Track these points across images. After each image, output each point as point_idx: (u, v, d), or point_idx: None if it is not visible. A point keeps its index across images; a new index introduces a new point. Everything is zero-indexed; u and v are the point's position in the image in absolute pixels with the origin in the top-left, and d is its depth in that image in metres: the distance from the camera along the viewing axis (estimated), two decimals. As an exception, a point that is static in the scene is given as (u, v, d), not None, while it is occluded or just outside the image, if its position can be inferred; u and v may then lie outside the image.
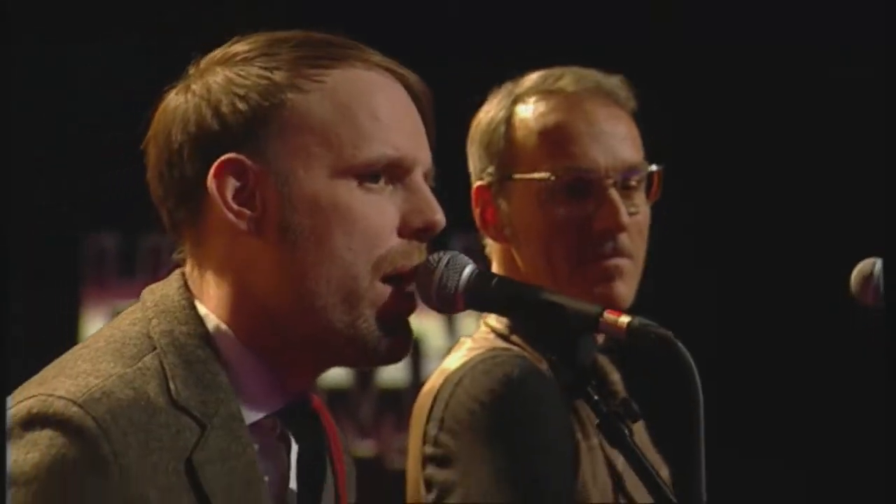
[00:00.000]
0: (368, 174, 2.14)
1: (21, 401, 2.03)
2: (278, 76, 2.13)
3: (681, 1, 6.97)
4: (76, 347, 2.14)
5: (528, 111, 2.94)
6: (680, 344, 2.13)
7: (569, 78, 2.95)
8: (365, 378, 6.25)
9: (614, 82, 2.94)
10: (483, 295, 2.20)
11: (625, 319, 2.15)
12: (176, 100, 2.15)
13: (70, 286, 6.16)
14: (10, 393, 2.02)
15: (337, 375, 6.08)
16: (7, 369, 1.91)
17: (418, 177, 2.17)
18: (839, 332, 6.15)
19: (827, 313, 4.81)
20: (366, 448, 6.12)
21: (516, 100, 2.96)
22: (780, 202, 6.51)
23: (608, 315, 2.18)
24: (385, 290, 2.11)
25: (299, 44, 2.17)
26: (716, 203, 6.71)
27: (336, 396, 6.30)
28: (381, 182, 2.15)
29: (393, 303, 2.11)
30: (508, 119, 2.96)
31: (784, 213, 6.53)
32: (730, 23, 6.92)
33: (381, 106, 2.17)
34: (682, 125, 6.35)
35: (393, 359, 2.15)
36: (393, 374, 6.08)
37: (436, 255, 2.15)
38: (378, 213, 2.12)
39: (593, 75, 2.95)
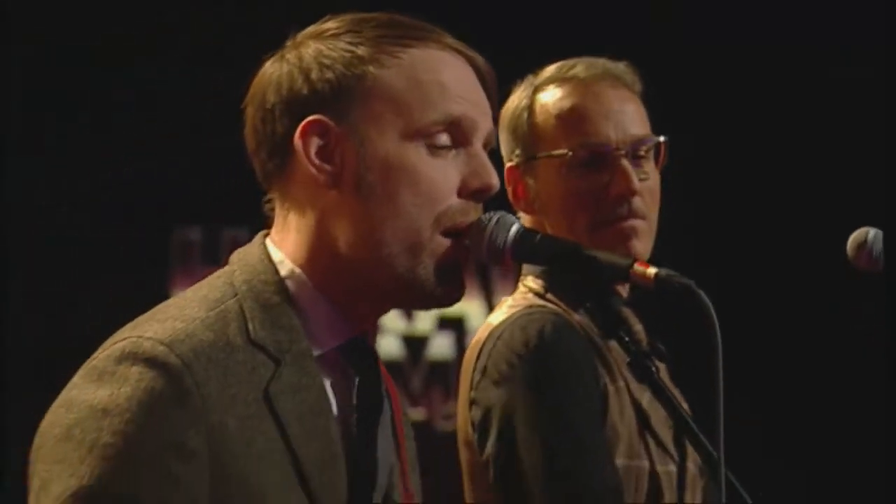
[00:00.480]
0: (434, 135, 2.23)
1: (115, 342, 2.13)
2: (361, 51, 2.24)
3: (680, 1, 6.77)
4: (169, 300, 2.28)
5: (547, 97, 3.12)
6: (701, 292, 2.20)
7: (581, 66, 3.12)
8: (415, 353, 6.55)
9: (621, 67, 3.11)
10: (527, 249, 2.31)
11: (652, 270, 2.24)
12: (272, 67, 2.29)
13: (160, 275, 6.27)
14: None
15: (390, 350, 6.34)
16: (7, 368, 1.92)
17: (479, 144, 2.27)
18: (838, 331, 6.08)
19: (826, 313, 4.65)
20: (416, 414, 6.37)
21: (536, 89, 3.13)
22: (779, 202, 6.36)
23: (637, 266, 2.26)
24: (444, 243, 2.20)
25: (382, 24, 2.27)
26: (716, 203, 6.58)
27: (389, 369, 6.45)
28: (446, 147, 2.24)
29: (450, 254, 2.21)
30: (530, 106, 3.12)
31: (782, 213, 6.34)
32: (729, 23, 6.72)
33: (449, 78, 2.28)
34: (681, 124, 6.40)
35: (447, 302, 2.26)
36: (440, 350, 6.39)
37: (487, 215, 2.24)
38: (441, 175, 2.21)
39: (602, 62, 3.12)
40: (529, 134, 3.10)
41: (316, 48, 2.27)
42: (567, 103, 3.07)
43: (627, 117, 3.07)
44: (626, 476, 2.88)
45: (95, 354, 2.15)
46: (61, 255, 6.19)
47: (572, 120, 3.07)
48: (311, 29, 2.32)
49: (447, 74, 2.28)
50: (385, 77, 2.25)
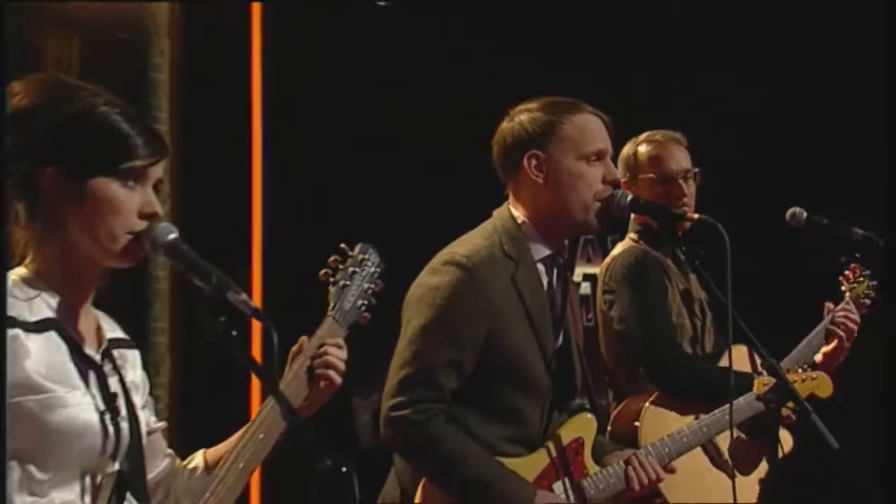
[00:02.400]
0: (592, 156, 3.50)
1: (442, 255, 3.46)
2: (553, 118, 3.52)
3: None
4: (465, 234, 3.52)
5: (642, 148, 4.36)
6: (720, 226, 3.38)
7: (659, 134, 4.35)
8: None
9: (678, 134, 4.37)
10: (637, 205, 3.59)
11: (695, 215, 3.54)
12: (507, 124, 3.58)
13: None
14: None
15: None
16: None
17: (608, 158, 3.55)
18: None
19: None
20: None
21: (637, 144, 4.38)
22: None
23: (689, 213, 3.61)
24: (597, 205, 3.47)
25: (561, 103, 3.57)
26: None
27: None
28: (597, 161, 3.49)
29: (600, 211, 3.48)
30: (635, 153, 4.37)
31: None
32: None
33: (594, 128, 3.54)
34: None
35: (594, 231, 3.54)
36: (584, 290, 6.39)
37: (614, 192, 3.48)
38: (593, 174, 3.48)
39: (669, 132, 4.37)
40: (634, 166, 4.36)
41: (529, 116, 3.52)
42: (654, 152, 4.36)
43: (682, 158, 4.35)
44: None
45: (432, 261, 3.49)
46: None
47: (655, 160, 4.35)
48: (520, 106, 3.57)
49: (592, 125, 3.52)
50: (566, 128, 3.49)
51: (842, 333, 4.26)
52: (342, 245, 2.74)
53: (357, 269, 2.71)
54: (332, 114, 6.57)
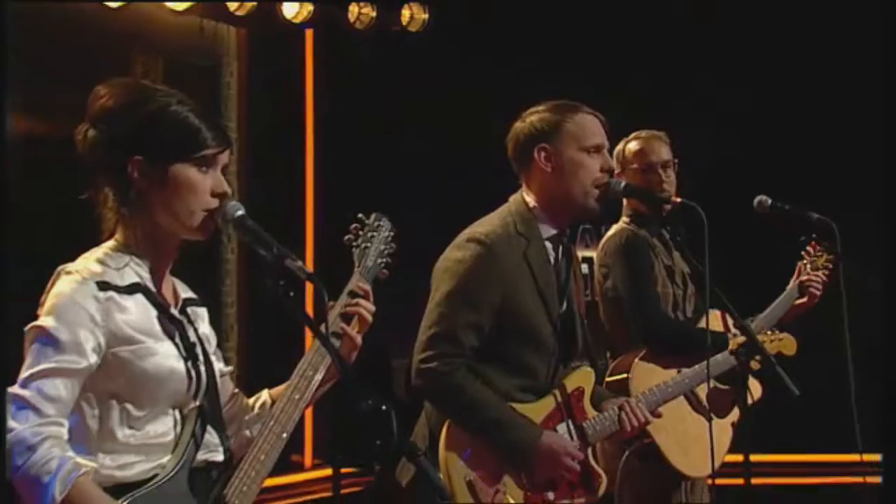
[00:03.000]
0: (591, 148, 3.51)
1: (464, 234, 3.47)
2: (558, 117, 3.55)
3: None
4: (486, 216, 3.51)
5: (630, 145, 4.38)
6: (699, 208, 3.45)
7: (644, 132, 4.35)
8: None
9: (662, 133, 4.38)
10: (630, 189, 3.67)
11: (678, 199, 3.62)
12: (519, 124, 3.59)
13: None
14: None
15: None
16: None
17: (605, 151, 3.56)
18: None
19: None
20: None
21: (627, 142, 4.40)
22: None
23: (673, 197, 3.71)
24: (595, 192, 3.51)
25: (565, 105, 3.60)
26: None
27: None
28: (597, 153, 3.52)
29: (599, 197, 3.50)
30: (623, 149, 4.40)
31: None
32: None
33: (592, 125, 3.56)
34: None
35: (595, 214, 3.50)
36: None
37: (612, 181, 3.51)
38: (592, 164, 3.51)
39: (654, 132, 4.38)
40: (623, 159, 4.35)
41: (539, 116, 3.54)
42: (638, 146, 4.37)
43: (663, 151, 4.35)
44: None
45: (457, 239, 3.48)
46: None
47: (639, 153, 4.36)
48: (531, 108, 3.58)
49: (590, 123, 3.53)
50: (569, 126, 3.50)
51: (817, 292, 4.30)
52: (359, 215, 2.76)
53: (374, 234, 2.72)
54: (370, 122, 6.64)
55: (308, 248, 6.81)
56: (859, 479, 4.62)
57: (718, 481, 4.08)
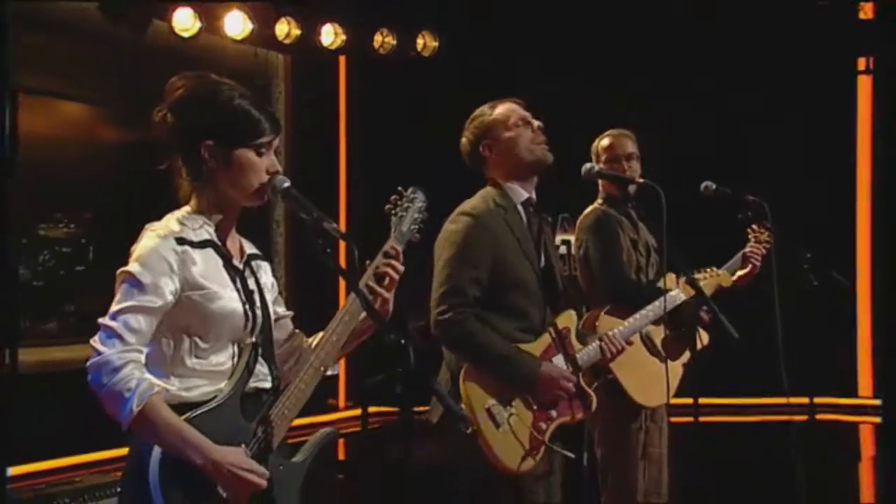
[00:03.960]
0: (518, 122, 3.47)
1: (458, 209, 3.46)
2: (483, 118, 3.53)
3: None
4: (470, 198, 3.48)
5: (603, 142, 4.31)
6: (658, 188, 3.49)
7: (614, 130, 4.28)
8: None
9: (627, 131, 4.32)
10: (598, 175, 3.79)
11: (640, 179, 3.65)
12: (462, 140, 3.58)
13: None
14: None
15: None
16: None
17: (530, 119, 3.49)
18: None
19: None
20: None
21: (599, 140, 4.33)
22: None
23: (636, 178, 3.72)
24: (538, 147, 3.46)
25: (486, 105, 3.57)
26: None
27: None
28: (522, 125, 3.47)
29: (543, 149, 3.46)
30: (598, 145, 4.32)
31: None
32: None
33: (512, 108, 3.51)
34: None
35: (550, 161, 3.43)
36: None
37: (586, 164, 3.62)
38: (524, 131, 3.46)
39: (622, 130, 4.32)
40: (596, 152, 4.27)
41: (471, 126, 3.51)
42: (607, 142, 4.28)
43: (628, 146, 4.27)
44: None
45: (450, 217, 3.44)
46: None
47: (608, 147, 4.27)
48: (464, 126, 3.55)
49: (511, 108, 3.50)
50: (494, 117, 3.49)
51: (756, 262, 4.23)
52: (399, 188, 2.72)
53: (410, 204, 2.67)
54: (391, 130, 6.68)
55: (341, 216, 6.93)
56: (786, 418, 4.82)
57: (673, 419, 4.04)
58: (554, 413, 3.38)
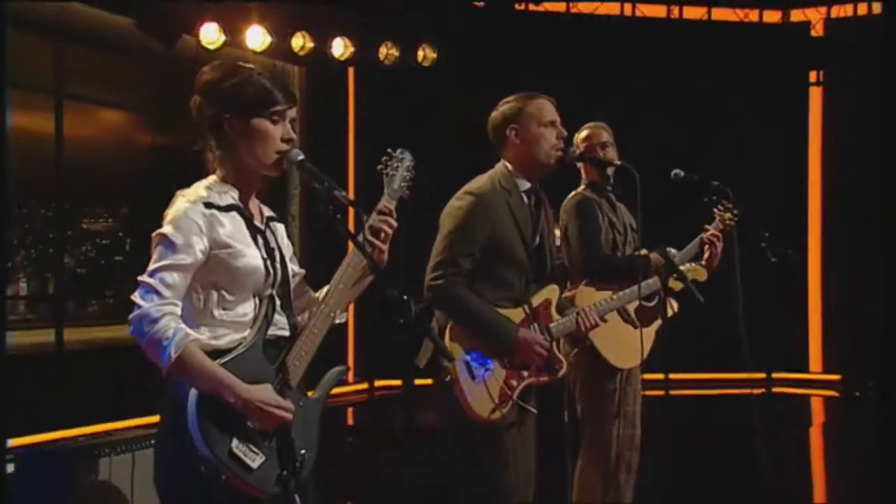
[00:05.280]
0: (547, 123, 3.43)
1: (462, 188, 3.40)
2: (521, 104, 3.46)
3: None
4: (478, 177, 3.42)
5: (581, 133, 4.18)
6: (633, 169, 3.44)
7: (591, 124, 4.18)
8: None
9: (603, 124, 4.23)
10: (578, 158, 3.68)
11: (617, 161, 3.65)
12: (494, 113, 3.47)
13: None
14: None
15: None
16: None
17: (558, 124, 3.44)
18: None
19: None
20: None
21: (580, 132, 4.22)
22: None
23: (613, 161, 3.71)
24: (555, 154, 3.42)
25: (526, 94, 3.49)
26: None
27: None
28: (550, 127, 3.43)
29: (557, 157, 3.41)
30: (577, 136, 4.21)
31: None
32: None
33: (547, 106, 3.47)
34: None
35: (555, 169, 3.42)
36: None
37: (566, 147, 3.45)
38: (549, 134, 3.42)
39: (599, 123, 4.23)
40: (577, 144, 4.10)
41: (507, 105, 3.43)
42: (587, 133, 4.14)
43: (604, 137, 4.15)
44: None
45: (456, 194, 3.36)
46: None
47: (586, 138, 4.15)
48: (502, 100, 3.46)
49: (545, 106, 3.44)
50: (530, 108, 3.42)
51: (715, 247, 4.07)
52: (388, 150, 2.64)
53: (399, 164, 2.61)
54: (394, 129, 6.54)
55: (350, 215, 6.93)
56: (747, 391, 4.78)
57: (646, 393, 4.02)
58: (525, 374, 3.37)
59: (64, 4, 5.54)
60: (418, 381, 6.57)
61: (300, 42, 6.30)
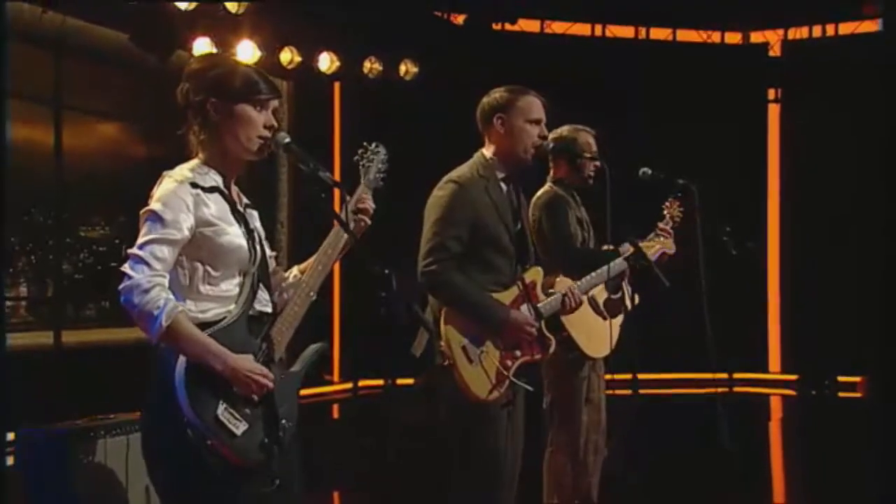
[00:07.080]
0: (534, 121, 3.35)
1: (445, 178, 3.30)
2: (513, 96, 3.38)
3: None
4: (458, 167, 3.34)
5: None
6: (606, 167, 3.38)
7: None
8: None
9: (586, 127, 4.12)
10: (552, 150, 3.51)
11: (589, 154, 3.59)
12: (485, 98, 3.39)
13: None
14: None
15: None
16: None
17: (542, 124, 3.37)
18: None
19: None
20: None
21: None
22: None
23: (586, 154, 3.64)
24: (532, 150, 3.33)
25: (519, 88, 3.41)
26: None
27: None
28: (535, 125, 3.35)
29: (533, 154, 3.34)
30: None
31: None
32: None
33: (536, 104, 3.39)
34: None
35: (531, 165, 3.35)
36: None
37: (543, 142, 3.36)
38: (533, 131, 3.34)
39: (581, 126, 4.12)
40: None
41: (499, 94, 3.36)
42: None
43: (587, 138, 4.07)
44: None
45: (438, 184, 3.27)
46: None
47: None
48: (495, 88, 3.41)
49: (535, 103, 3.36)
50: (519, 103, 3.34)
51: (666, 235, 4.03)
52: (364, 143, 2.67)
53: (374, 156, 2.64)
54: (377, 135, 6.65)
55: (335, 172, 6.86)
56: (712, 390, 4.75)
57: (617, 392, 4.00)
58: (518, 353, 3.33)
59: (62, 19, 5.53)
60: (400, 381, 6.61)
61: (288, 56, 6.30)
